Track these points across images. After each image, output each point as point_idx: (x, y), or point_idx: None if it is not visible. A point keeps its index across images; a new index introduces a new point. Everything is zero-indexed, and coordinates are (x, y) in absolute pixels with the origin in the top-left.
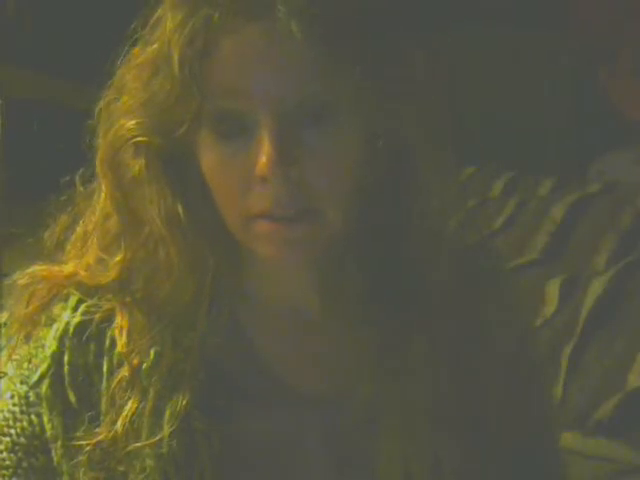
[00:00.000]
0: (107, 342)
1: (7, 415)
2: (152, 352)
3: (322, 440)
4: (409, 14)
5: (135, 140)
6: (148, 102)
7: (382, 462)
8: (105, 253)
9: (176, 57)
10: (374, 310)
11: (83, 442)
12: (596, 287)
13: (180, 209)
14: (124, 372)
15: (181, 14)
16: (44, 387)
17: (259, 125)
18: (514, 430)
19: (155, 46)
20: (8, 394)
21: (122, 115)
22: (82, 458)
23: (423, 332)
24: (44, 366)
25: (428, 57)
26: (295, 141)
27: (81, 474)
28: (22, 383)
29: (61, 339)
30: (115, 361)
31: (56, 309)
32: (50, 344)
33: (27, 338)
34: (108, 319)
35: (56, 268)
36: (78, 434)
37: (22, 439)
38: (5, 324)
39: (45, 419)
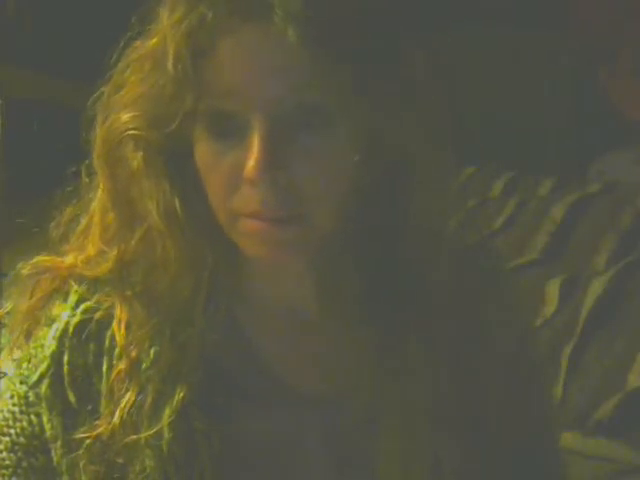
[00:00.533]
0: (107, 342)
1: (7, 415)
2: (150, 345)
3: (322, 440)
4: (409, 14)
5: (129, 133)
6: (144, 96)
7: (382, 462)
8: (106, 245)
9: (171, 53)
10: (373, 310)
11: (83, 435)
12: (596, 287)
13: (178, 204)
14: (123, 364)
15: (179, 11)
16: (44, 387)
17: (251, 126)
18: (514, 430)
19: (154, 40)
20: (8, 394)
21: (119, 108)
22: (81, 452)
23: (423, 332)
24: (44, 366)
25: (428, 57)
26: (286, 144)
27: (81, 468)
28: (22, 383)
29: (61, 339)
30: (115, 361)
31: (56, 308)
32: (50, 344)
33: (27, 337)
34: (108, 318)
35: (59, 259)
36: (78, 433)
37: (22, 439)
38: (8, 314)
39: (45, 419)
